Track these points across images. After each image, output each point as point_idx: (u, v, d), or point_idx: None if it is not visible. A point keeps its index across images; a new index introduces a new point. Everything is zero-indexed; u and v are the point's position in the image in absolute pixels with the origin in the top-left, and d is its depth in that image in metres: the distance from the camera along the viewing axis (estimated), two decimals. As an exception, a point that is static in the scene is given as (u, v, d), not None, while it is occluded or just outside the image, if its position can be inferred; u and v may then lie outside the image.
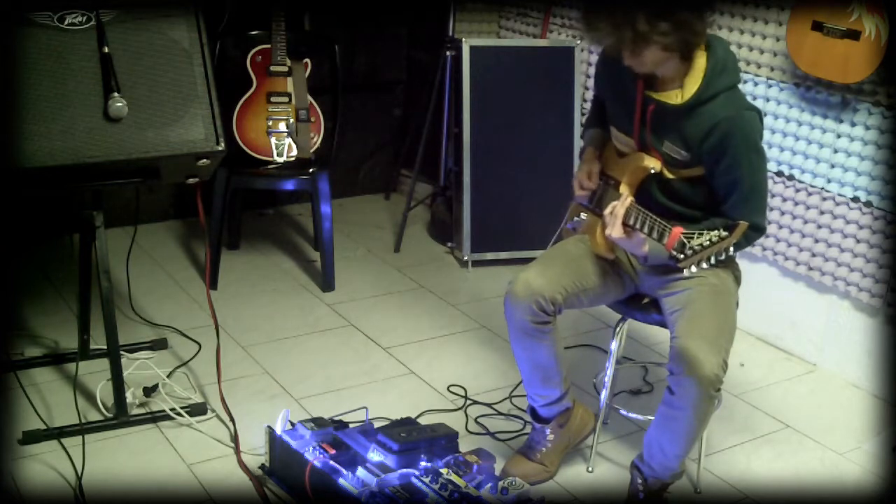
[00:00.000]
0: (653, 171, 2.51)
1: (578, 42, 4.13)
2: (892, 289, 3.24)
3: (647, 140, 2.51)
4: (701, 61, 2.42)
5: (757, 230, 2.47)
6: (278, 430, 2.66)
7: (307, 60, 3.85)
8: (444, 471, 2.51)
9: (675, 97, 2.44)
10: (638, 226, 2.41)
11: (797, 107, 3.39)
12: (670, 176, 2.51)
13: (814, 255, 3.42)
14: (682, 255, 2.22)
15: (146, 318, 3.54)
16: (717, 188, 2.47)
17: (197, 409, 2.99)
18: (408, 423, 2.80)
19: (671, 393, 2.42)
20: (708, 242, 2.20)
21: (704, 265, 2.22)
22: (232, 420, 2.95)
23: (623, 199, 2.45)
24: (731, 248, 2.22)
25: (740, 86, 2.49)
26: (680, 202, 2.53)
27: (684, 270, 2.24)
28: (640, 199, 2.53)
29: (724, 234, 2.21)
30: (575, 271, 2.60)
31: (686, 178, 2.50)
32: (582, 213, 2.75)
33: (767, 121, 3.43)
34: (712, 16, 2.41)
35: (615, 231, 2.44)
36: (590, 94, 4.21)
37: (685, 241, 2.22)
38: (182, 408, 2.97)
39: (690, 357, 2.35)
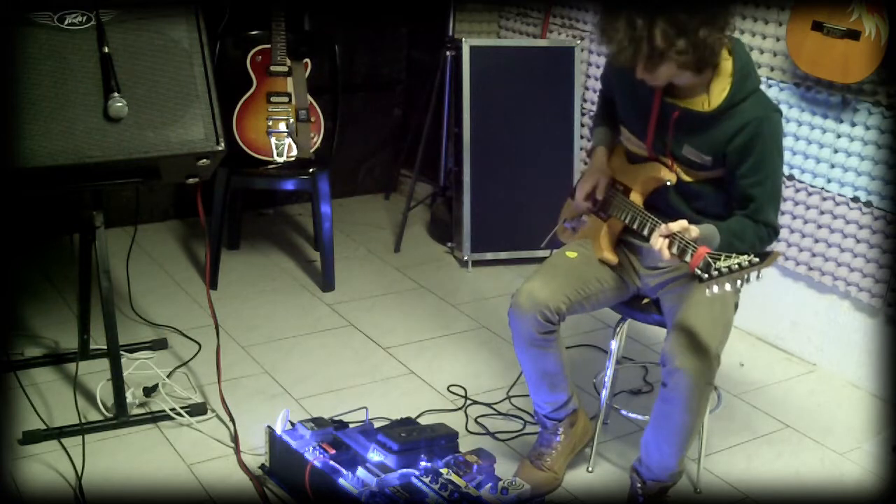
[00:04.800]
0: (669, 185, 2.49)
1: (578, 42, 4.12)
2: (892, 289, 3.24)
3: (667, 145, 2.48)
4: (727, 66, 2.38)
5: (776, 233, 2.45)
6: (278, 430, 2.66)
7: (307, 60, 3.85)
8: (444, 471, 2.51)
9: (701, 104, 2.40)
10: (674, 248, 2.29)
11: (797, 107, 3.39)
12: (688, 179, 2.49)
13: (814, 255, 3.42)
14: (706, 275, 2.14)
15: (146, 318, 3.54)
16: (737, 188, 2.43)
17: (197, 409, 2.99)
18: (408, 423, 2.80)
19: (664, 386, 2.42)
20: (737, 266, 2.12)
21: (728, 287, 2.13)
22: (232, 420, 2.95)
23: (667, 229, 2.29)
24: (759, 274, 2.12)
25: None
26: (695, 209, 2.51)
27: (706, 291, 2.15)
28: (654, 203, 2.52)
29: (754, 259, 2.12)
30: (578, 279, 2.59)
31: (704, 181, 2.48)
32: (582, 215, 2.74)
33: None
34: (731, 31, 2.34)
35: (664, 255, 2.31)
36: (590, 94, 4.21)
37: (710, 261, 2.15)
38: (182, 408, 2.97)
39: (681, 348, 2.36)
